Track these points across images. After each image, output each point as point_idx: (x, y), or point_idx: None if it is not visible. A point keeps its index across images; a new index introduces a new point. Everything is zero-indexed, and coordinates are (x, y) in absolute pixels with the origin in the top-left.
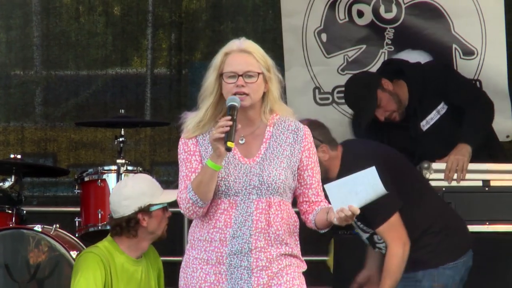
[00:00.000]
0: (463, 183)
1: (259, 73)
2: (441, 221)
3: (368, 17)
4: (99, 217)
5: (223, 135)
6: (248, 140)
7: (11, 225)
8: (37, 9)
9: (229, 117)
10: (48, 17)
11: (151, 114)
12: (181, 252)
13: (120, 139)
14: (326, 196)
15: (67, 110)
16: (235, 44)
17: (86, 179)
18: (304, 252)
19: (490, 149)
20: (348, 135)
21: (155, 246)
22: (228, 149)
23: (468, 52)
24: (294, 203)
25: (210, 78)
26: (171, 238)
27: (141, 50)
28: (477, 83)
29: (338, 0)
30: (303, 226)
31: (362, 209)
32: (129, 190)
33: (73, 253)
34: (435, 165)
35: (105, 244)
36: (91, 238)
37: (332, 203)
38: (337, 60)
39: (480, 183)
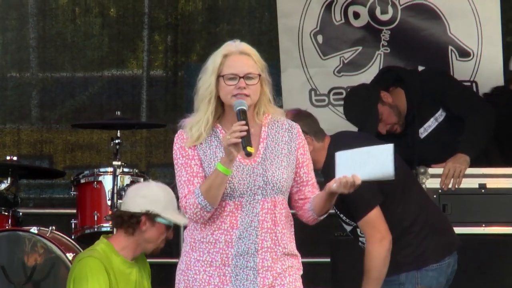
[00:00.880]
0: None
1: (259, 75)
2: (423, 220)
3: (364, 18)
4: (95, 219)
5: (240, 140)
6: None
7: (7, 227)
8: (33, 10)
9: (243, 122)
10: (44, 19)
11: (147, 116)
12: (176, 254)
13: (116, 141)
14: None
15: (63, 112)
16: (232, 46)
17: (82, 181)
18: (301, 253)
19: (487, 152)
20: None
21: None
22: (249, 154)
23: (464, 54)
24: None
25: (209, 81)
26: (166, 240)
27: (137, 52)
28: (473, 84)
29: (334, 2)
30: (299, 227)
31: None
32: (148, 191)
33: (69, 255)
34: (432, 170)
35: (101, 246)
36: (87, 240)
37: (337, 170)
38: (333, 61)
39: (476, 185)
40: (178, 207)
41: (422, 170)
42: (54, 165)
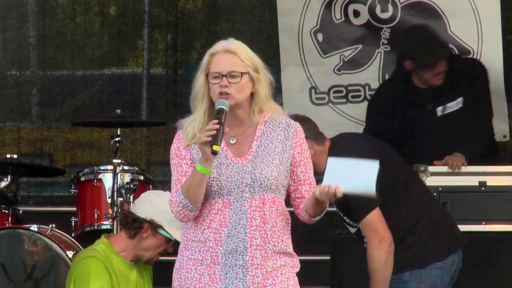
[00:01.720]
0: (459, 183)
1: (242, 73)
2: (427, 219)
3: (364, 17)
4: (95, 216)
5: (209, 138)
6: (239, 139)
7: (7, 224)
8: (33, 9)
9: (216, 121)
10: (44, 17)
11: (147, 114)
12: (175, 252)
13: (116, 139)
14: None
15: (63, 110)
16: (221, 44)
17: (82, 179)
18: (302, 251)
19: (487, 151)
20: None
21: None
22: (214, 153)
23: (464, 52)
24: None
25: (199, 80)
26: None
27: (137, 50)
28: None
29: (334, 0)
30: (300, 226)
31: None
32: (159, 201)
33: (69, 253)
34: (432, 168)
35: (102, 247)
36: (87, 237)
37: (325, 176)
38: (333, 60)
39: (476, 183)
40: None
41: (422, 168)
42: (54, 163)
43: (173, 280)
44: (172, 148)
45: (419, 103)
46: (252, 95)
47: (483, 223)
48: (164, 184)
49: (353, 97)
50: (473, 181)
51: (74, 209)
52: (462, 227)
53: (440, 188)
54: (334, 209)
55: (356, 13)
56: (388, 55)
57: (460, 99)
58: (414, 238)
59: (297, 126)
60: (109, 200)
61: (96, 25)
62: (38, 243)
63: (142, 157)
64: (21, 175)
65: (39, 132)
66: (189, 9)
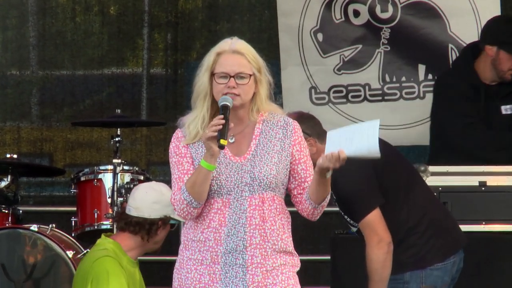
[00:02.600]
0: (459, 183)
1: (250, 75)
2: (428, 220)
3: (364, 16)
4: (95, 216)
5: (215, 133)
6: (238, 138)
7: (7, 224)
8: (33, 9)
9: (221, 116)
10: (44, 17)
11: (147, 114)
12: (175, 252)
13: (116, 139)
14: None
15: (63, 110)
16: (227, 44)
17: (82, 178)
18: (302, 251)
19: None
20: None
21: None
22: (221, 147)
23: None
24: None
25: (202, 79)
26: (166, 238)
27: (137, 50)
28: None
29: (334, 0)
30: (300, 226)
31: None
32: (160, 196)
33: (69, 253)
34: (432, 168)
35: (110, 246)
36: (87, 237)
37: (327, 146)
38: (333, 59)
39: (476, 183)
40: None
41: (422, 168)
42: (54, 163)
43: (173, 280)
44: (171, 146)
45: (486, 99)
46: (253, 94)
47: (483, 223)
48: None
49: (353, 97)
50: (473, 181)
51: (74, 209)
52: (462, 227)
53: (440, 188)
54: (334, 209)
55: (356, 13)
56: (388, 55)
57: None
58: (415, 239)
59: (295, 124)
60: (109, 200)
61: (96, 25)
62: (38, 243)
63: (142, 157)
64: (21, 175)
65: (39, 132)
66: (189, 9)
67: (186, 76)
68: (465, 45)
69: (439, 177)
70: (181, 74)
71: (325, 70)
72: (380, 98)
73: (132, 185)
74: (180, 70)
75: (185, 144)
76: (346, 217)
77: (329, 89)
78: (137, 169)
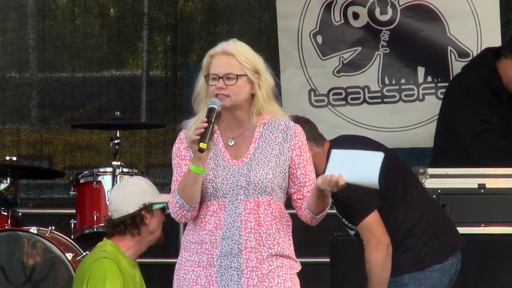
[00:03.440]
0: (458, 185)
1: (238, 75)
2: (426, 222)
3: (364, 19)
4: (95, 219)
5: (198, 137)
6: (238, 141)
7: (6, 227)
8: (32, 11)
9: (205, 119)
10: (44, 19)
11: (146, 116)
12: (175, 254)
13: (116, 141)
14: None
15: (63, 112)
16: (220, 46)
17: (82, 181)
18: (301, 253)
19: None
20: None
21: (152, 248)
22: (201, 150)
23: (463, 54)
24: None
25: (200, 81)
26: (166, 240)
27: (136, 52)
28: None
29: (334, 2)
30: (299, 228)
31: (344, 204)
32: (133, 188)
33: (69, 255)
34: (431, 171)
35: (109, 248)
36: (86, 240)
37: (328, 167)
38: (332, 62)
39: (475, 185)
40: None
41: (421, 171)
42: (53, 166)
43: (173, 281)
44: (173, 148)
45: (508, 105)
46: (252, 96)
47: (482, 225)
48: (164, 186)
49: (352, 99)
50: (472, 183)
51: (74, 211)
52: (461, 230)
53: (439, 191)
54: (333, 211)
55: (356, 15)
56: (387, 57)
57: None
58: (413, 241)
59: (297, 128)
60: (108, 203)
61: (96, 27)
62: (37, 245)
63: (142, 159)
64: (21, 177)
65: (39, 134)
66: (189, 11)
67: (185, 78)
68: (464, 47)
69: (438, 179)
70: (181, 76)
71: (324, 72)
72: (379, 100)
73: None
74: (180, 72)
75: (186, 146)
76: (344, 220)
77: (329, 92)
78: (136, 171)
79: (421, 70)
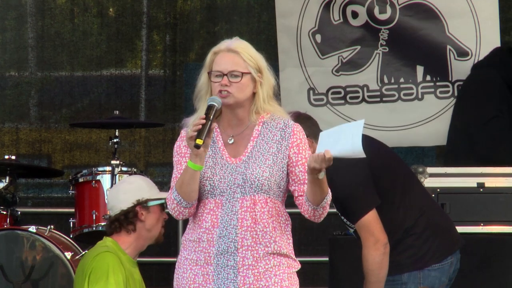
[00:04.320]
0: (457, 184)
1: (243, 73)
2: (425, 221)
3: (363, 18)
4: (94, 218)
5: (195, 133)
6: (237, 140)
7: (5, 226)
8: (31, 10)
9: (203, 116)
10: (43, 18)
11: (145, 115)
12: (175, 253)
13: (115, 140)
14: None
15: (62, 111)
16: (225, 43)
17: (81, 180)
18: (300, 253)
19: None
20: None
21: (151, 247)
22: (197, 146)
23: (462, 53)
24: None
25: (202, 78)
26: (166, 239)
27: (135, 51)
28: None
29: (333, 1)
30: (298, 227)
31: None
32: (127, 185)
33: (68, 254)
34: (430, 170)
35: (110, 244)
36: (85, 239)
37: (318, 148)
38: (331, 61)
39: (474, 184)
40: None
41: (420, 169)
42: (52, 165)
43: (174, 280)
44: (175, 145)
45: None
46: (253, 95)
47: (481, 224)
48: (163, 185)
49: (351, 98)
50: (472, 182)
51: (73, 210)
52: (460, 229)
53: (438, 190)
54: (332, 210)
55: (355, 14)
56: (386, 56)
57: None
58: (412, 240)
59: (295, 127)
60: (107, 202)
61: (95, 26)
62: (36, 244)
63: (141, 158)
64: (20, 176)
65: (38, 133)
66: (188, 10)
67: (184, 77)
68: (463, 46)
69: (437, 178)
70: (180, 75)
71: (323, 71)
72: (378, 99)
73: None
74: (179, 71)
75: (186, 144)
76: (343, 218)
77: (327, 90)
78: (135, 170)
79: (420, 69)
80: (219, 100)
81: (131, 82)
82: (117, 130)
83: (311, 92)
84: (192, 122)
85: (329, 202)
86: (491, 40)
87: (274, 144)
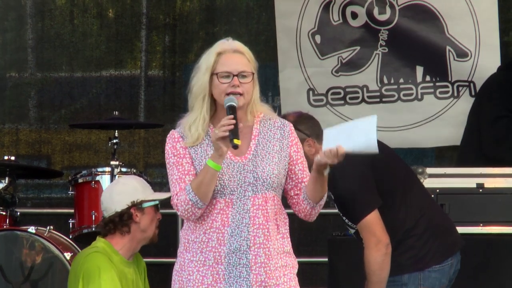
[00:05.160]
0: (457, 185)
1: (252, 73)
2: (426, 222)
3: (362, 18)
4: (93, 218)
5: (227, 133)
6: None
7: (5, 226)
8: (31, 11)
9: (231, 116)
10: (43, 20)
11: (145, 116)
12: (174, 254)
13: (114, 141)
14: None
15: (62, 112)
16: (226, 44)
17: (80, 180)
18: (299, 253)
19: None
20: None
21: (149, 247)
22: (235, 147)
23: (461, 54)
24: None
25: (202, 79)
26: (165, 239)
27: (135, 52)
28: (471, 84)
29: (332, 2)
30: (297, 228)
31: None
32: (122, 186)
33: (67, 255)
34: (429, 170)
35: (101, 245)
36: (85, 239)
37: (324, 144)
38: (331, 61)
39: (474, 185)
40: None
41: (420, 170)
42: (52, 165)
43: (173, 282)
44: (167, 147)
45: None
46: None
47: (481, 225)
48: (162, 186)
49: (351, 98)
50: (471, 183)
51: (72, 211)
52: (460, 229)
53: (438, 190)
54: (331, 211)
55: (354, 15)
56: (386, 57)
57: None
58: (413, 241)
59: (291, 126)
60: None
61: (94, 27)
62: (35, 245)
63: (140, 159)
64: (19, 177)
65: (37, 134)
66: (187, 11)
67: (184, 78)
68: (463, 47)
69: (437, 179)
70: (179, 76)
71: (323, 72)
72: (378, 100)
73: None
74: (178, 72)
75: (183, 144)
76: (344, 218)
77: (327, 91)
78: (134, 171)
79: (419, 70)
80: (236, 99)
81: (131, 83)
82: (116, 131)
83: (310, 92)
84: (221, 123)
85: (324, 201)
86: (490, 41)
87: (276, 142)
